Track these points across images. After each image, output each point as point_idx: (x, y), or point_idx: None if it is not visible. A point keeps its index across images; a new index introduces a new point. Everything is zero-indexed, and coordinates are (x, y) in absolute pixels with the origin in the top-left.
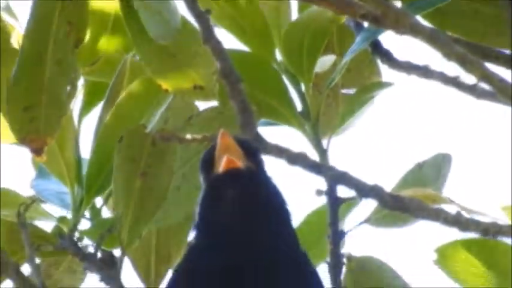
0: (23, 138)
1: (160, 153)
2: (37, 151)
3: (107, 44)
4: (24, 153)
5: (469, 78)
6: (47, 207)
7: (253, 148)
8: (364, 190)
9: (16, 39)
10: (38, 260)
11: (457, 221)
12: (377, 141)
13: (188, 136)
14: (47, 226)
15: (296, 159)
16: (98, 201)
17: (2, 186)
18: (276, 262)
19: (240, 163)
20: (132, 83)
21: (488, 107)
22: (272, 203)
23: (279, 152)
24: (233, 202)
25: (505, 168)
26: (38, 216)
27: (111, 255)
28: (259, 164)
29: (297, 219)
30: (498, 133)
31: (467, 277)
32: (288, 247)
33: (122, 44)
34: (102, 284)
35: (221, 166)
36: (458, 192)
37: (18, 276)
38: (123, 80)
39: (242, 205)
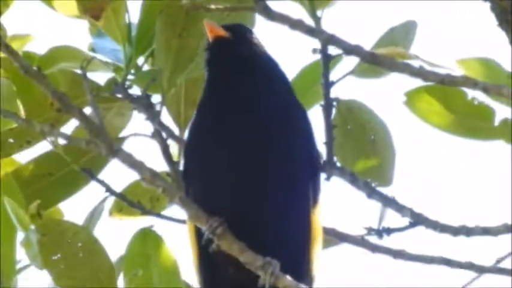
0: (85, 7)
1: (192, 19)
2: (96, 16)
3: None
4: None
5: None
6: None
7: (238, 27)
8: (349, 49)
9: None
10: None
11: (420, 73)
12: (359, 13)
13: (213, 6)
14: (102, 78)
15: (296, 25)
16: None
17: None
18: (267, 112)
19: (221, 32)
20: None
21: None
22: (263, 62)
23: (282, 19)
24: (225, 61)
25: (460, 28)
26: (96, 68)
27: (152, 101)
28: (244, 36)
29: (294, 73)
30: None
31: (429, 115)
32: (280, 99)
33: None
34: (147, 123)
35: (209, 32)
36: (421, 50)
37: (81, 116)
38: None
39: (233, 63)
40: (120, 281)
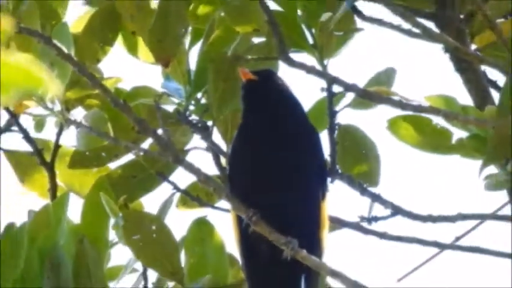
0: (158, 57)
1: (234, 67)
2: (165, 64)
3: (203, 8)
4: (156, 71)
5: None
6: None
7: (266, 71)
8: (347, 87)
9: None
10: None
11: (399, 105)
12: (355, 61)
13: (249, 57)
14: (170, 108)
15: (310, 70)
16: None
17: (142, 85)
18: (290, 133)
19: (251, 76)
20: (218, 29)
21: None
22: (285, 97)
23: (300, 66)
24: (256, 99)
25: (427, 72)
26: (165, 102)
27: (207, 124)
28: (270, 78)
29: (308, 105)
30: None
31: (404, 136)
32: (299, 122)
33: (213, 7)
34: (202, 141)
35: (242, 77)
36: (399, 89)
37: (155, 136)
38: (213, 27)
39: (262, 100)
40: (182, 256)
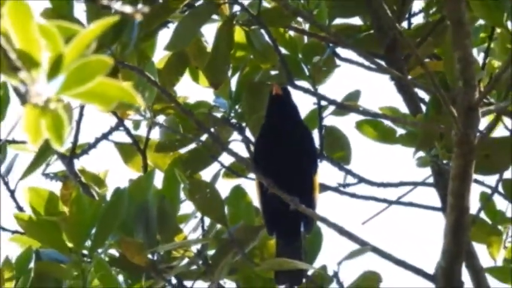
0: (212, 83)
1: (259, 89)
2: (216, 87)
3: (239, 52)
4: (210, 92)
5: (367, 63)
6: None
7: (286, 89)
8: (330, 101)
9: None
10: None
11: (363, 113)
12: (335, 86)
13: (268, 83)
14: (218, 115)
15: (306, 91)
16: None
17: (201, 100)
18: (294, 131)
19: (280, 91)
20: (249, 65)
21: (375, 75)
22: (293, 107)
23: (301, 88)
24: (278, 106)
25: (378, 91)
26: (215, 111)
27: (242, 125)
28: (288, 94)
29: (304, 113)
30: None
31: (366, 132)
32: (299, 123)
33: (246, 52)
34: (238, 136)
35: (274, 91)
36: (363, 101)
37: (209, 133)
38: (246, 64)
39: (281, 108)
40: (226, 209)
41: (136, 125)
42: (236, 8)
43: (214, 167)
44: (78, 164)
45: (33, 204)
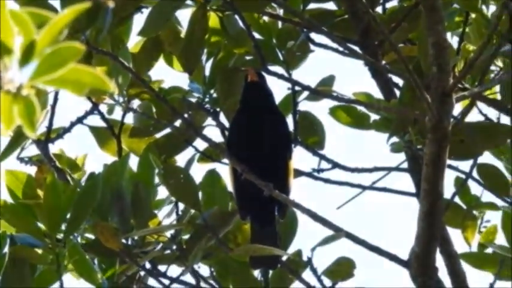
0: (185, 68)
1: (236, 74)
2: (190, 73)
3: (214, 37)
4: (184, 76)
5: (341, 48)
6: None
7: (261, 74)
8: (304, 87)
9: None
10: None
11: (337, 98)
12: (309, 71)
13: (242, 68)
14: (193, 100)
15: (281, 77)
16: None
17: (175, 85)
18: (269, 116)
19: (255, 78)
20: (223, 51)
21: (349, 60)
22: (269, 93)
23: (275, 74)
24: (253, 92)
25: (354, 76)
26: (190, 96)
27: (216, 110)
28: (263, 79)
29: (279, 98)
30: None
31: (340, 118)
32: (274, 109)
33: (220, 37)
34: (213, 121)
35: (250, 77)
36: (337, 87)
37: (183, 118)
38: (220, 49)
39: (257, 94)
40: (200, 194)
41: (111, 109)
42: None
43: (189, 152)
44: (54, 148)
45: (11, 187)
